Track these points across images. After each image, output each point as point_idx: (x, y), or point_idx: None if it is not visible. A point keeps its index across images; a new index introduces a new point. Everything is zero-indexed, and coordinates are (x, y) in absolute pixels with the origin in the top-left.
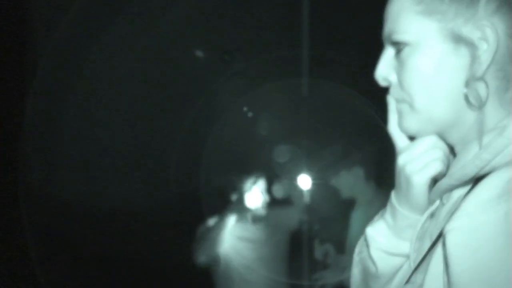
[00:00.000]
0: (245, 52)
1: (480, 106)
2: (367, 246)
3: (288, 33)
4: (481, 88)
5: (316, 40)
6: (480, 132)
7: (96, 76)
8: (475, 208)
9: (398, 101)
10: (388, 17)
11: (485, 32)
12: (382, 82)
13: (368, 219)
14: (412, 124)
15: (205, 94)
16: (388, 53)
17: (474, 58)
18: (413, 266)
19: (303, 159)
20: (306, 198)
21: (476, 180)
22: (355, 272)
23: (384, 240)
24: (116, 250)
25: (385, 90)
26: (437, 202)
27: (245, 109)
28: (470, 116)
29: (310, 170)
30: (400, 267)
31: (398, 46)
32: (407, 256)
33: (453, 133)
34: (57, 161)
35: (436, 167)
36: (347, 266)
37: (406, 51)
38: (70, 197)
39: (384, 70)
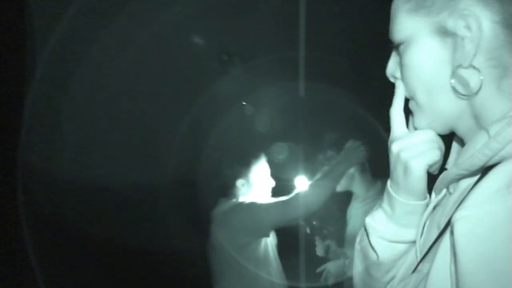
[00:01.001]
0: (243, 53)
1: (470, 95)
2: (367, 235)
3: (286, 35)
4: (470, 77)
5: (313, 42)
6: (486, 121)
7: (95, 74)
8: (484, 198)
9: (409, 99)
10: (390, 18)
11: (467, 21)
12: (391, 79)
13: (365, 211)
14: (421, 122)
15: (203, 93)
16: (396, 51)
17: (459, 48)
18: (419, 255)
19: (300, 157)
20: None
21: (484, 170)
22: (357, 262)
23: (384, 228)
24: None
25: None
26: (444, 192)
27: (243, 106)
28: (474, 106)
29: (306, 170)
30: (402, 254)
31: (398, 45)
32: (408, 243)
33: (460, 124)
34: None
35: (435, 155)
36: (348, 257)
37: (401, 48)
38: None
39: (391, 67)
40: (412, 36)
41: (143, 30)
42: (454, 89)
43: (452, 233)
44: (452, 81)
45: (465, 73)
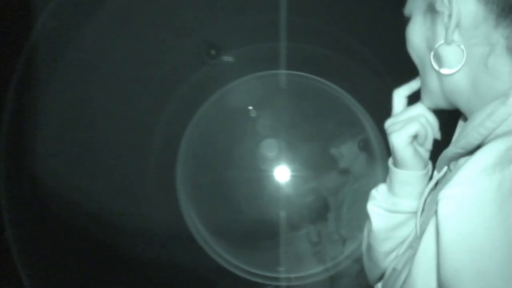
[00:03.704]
0: (226, 44)
1: (452, 73)
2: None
3: (268, 24)
4: (452, 54)
5: (295, 31)
6: (483, 99)
7: (77, 68)
8: (469, 177)
9: None
10: None
11: None
12: None
13: (363, 192)
14: (424, 98)
15: (187, 85)
16: None
17: (440, 24)
18: (419, 231)
19: (289, 149)
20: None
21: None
22: (365, 233)
23: (380, 196)
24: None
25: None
26: (445, 169)
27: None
28: (466, 84)
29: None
30: (397, 224)
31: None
32: (403, 213)
33: (459, 101)
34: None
35: (412, 128)
36: (345, 237)
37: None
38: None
39: None
40: (412, 12)
41: (127, 22)
42: (434, 67)
43: (436, 211)
44: (432, 58)
45: (446, 50)
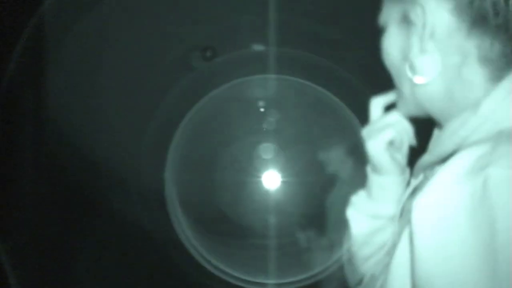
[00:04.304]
0: (216, 48)
1: (427, 83)
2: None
3: (257, 30)
4: (426, 64)
5: (285, 37)
6: (457, 108)
7: (69, 68)
8: (441, 185)
9: None
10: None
11: (421, 8)
12: None
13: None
14: (400, 107)
15: (180, 86)
16: None
17: (415, 35)
18: (397, 238)
19: (275, 156)
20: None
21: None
22: (345, 239)
23: (359, 202)
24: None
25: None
26: (421, 176)
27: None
28: (439, 93)
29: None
30: (376, 229)
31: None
32: (381, 218)
33: (432, 110)
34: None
35: (388, 134)
36: (333, 243)
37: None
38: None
39: None
40: (386, 23)
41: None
42: (409, 76)
43: (409, 219)
44: (406, 67)
45: (421, 60)
